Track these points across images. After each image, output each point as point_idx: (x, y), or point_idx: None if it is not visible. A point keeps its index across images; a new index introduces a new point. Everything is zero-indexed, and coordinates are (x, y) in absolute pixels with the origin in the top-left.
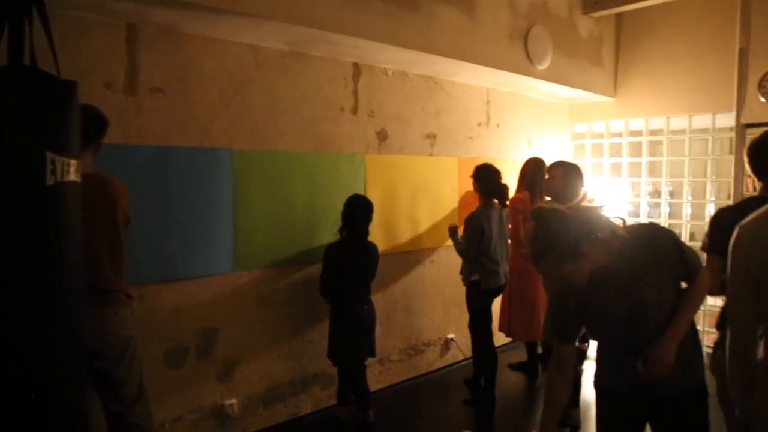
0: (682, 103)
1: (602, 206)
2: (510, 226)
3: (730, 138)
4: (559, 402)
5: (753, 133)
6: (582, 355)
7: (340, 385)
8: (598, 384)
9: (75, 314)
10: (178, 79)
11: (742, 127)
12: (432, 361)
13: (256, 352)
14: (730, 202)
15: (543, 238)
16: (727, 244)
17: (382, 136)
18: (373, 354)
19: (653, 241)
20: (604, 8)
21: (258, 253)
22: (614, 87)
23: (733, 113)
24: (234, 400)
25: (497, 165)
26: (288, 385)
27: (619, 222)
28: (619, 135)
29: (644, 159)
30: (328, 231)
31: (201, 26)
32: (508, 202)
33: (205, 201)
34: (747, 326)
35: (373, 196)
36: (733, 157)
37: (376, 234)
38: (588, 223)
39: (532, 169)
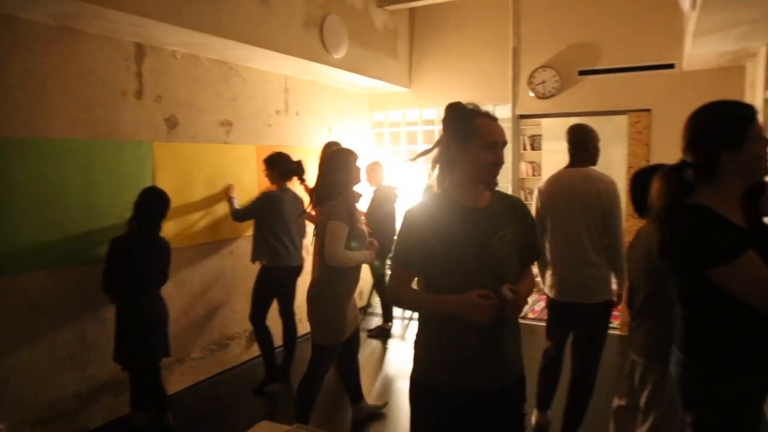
0: (468, 95)
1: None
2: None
3: (509, 128)
4: (415, 294)
5: (526, 124)
6: (386, 334)
7: (133, 391)
8: (421, 382)
9: None
10: None
11: (516, 118)
12: (238, 354)
13: (29, 367)
14: (509, 185)
15: None
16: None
17: (171, 123)
18: (167, 354)
19: (520, 207)
20: (397, 2)
21: (25, 254)
22: (409, 78)
23: (510, 105)
24: (1, 426)
25: (297, 153)
26: (73, 398)
27: None
28: (415, 124)
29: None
30: (113, 225)
31: None
32: (305, 189)
33: None
34: None
35: (165, 187)
36: (511, 145)
37: (168, 227)
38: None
39: None
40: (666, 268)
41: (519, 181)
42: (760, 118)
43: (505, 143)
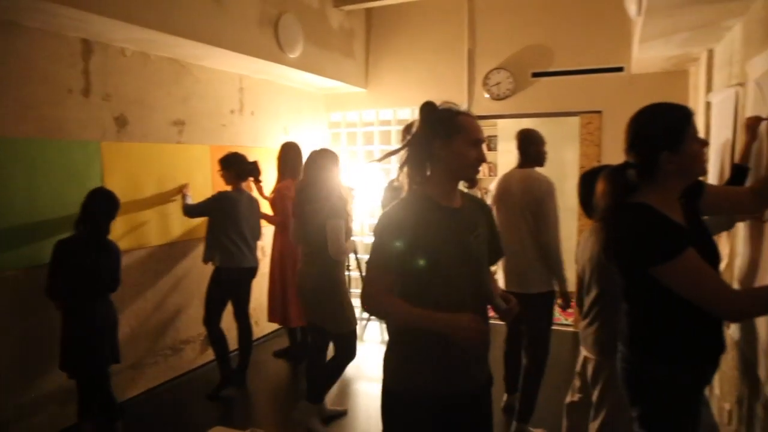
0: (424, 96)
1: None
2: (273, 214)
3: None
4: (398, 303)
5: (482, 125)
6: None
7: (80, 400)
8: (402, 392)
9: None
10: None
11: None
12: (192, 359)
13: None
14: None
15: None
16: None
17: (121, 122)
18: (116, 360)
19: (486, 208)
20: (353, 2)
21: None
22: (365, 79)
23: (465, 106)
24: None
25: (253, 153)
26: (14, 410)
27: None
28: (371, 124)
29: (393, 147)
30: (58, 227)
31: None
32: (272, 193)
33: None
34: None
35: (114, 188)
36: None
37: (117, 230)
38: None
39: (292, 155)
40: (613, 266)
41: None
42: (702, 120)
43: (484, 141)
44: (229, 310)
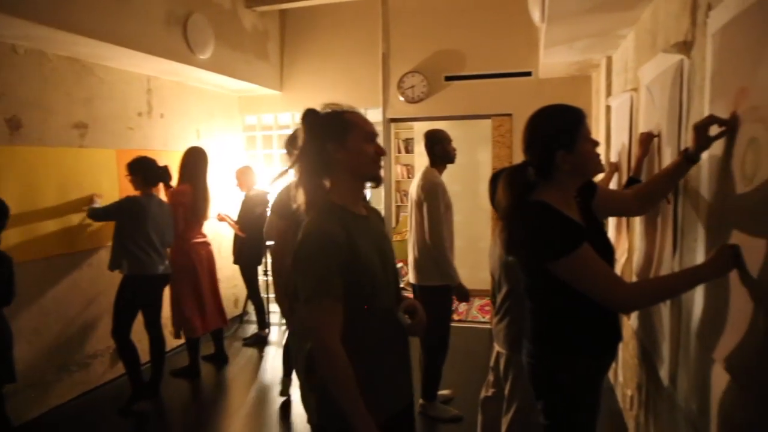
0: (340, 98)
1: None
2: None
3: (380, 131)
4: (350, 373)
5: (399, 128)
6: (263, 341)
7: None
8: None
9: None
10: None
11: (388, 122)
12: (102, 373)
13: None
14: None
15: None
16: None
17: (14, 124)
18: (12, 379)
19: (379, 213)
20: (266, 3)
21: None
22: (280, 81)
23: (381, 109)
24: None
25: (163, 157)
26: None
27: None
28: (287, 127)
29: None
30: None
31: None
32: (167, 195)
33: None
34: None
35: (6, 195)
36: None
37: (12, 238)
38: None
39: (193, 161)
40: (515, 263)
41: (396, 184)
42: (603, 123)
43: (378, 134)
44: (139, 320)
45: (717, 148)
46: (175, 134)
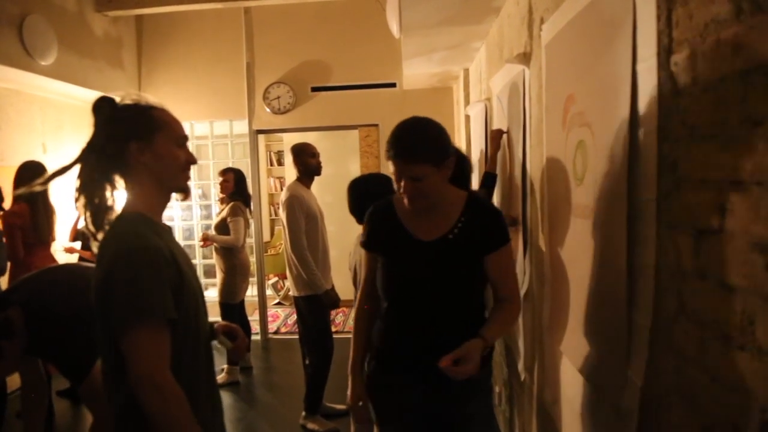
0: (204, 109)
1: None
2: (5, 241)
3: (246, 143)
4: (188, 409)
5: (270, 140)
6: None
7: None
8: None
9: None
10: None
11: (254, 133)
12: None
13: None
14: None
15: None
16: None
17: None
18: None
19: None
20: (118, 8)
21: None
22: (138, 91)
23: (246, 120)
24: None
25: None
26: None
27: None
28: None
29: None
30: None
31: None
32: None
33: None
34: None
35: None
36: (248, 160)
37: None
38: None
39: (28, 177)
40: None
41: (269, 197)
42: (464, 131)
43: (188, 139)
44: None
45: (553, 150)
46: (14, 148)
